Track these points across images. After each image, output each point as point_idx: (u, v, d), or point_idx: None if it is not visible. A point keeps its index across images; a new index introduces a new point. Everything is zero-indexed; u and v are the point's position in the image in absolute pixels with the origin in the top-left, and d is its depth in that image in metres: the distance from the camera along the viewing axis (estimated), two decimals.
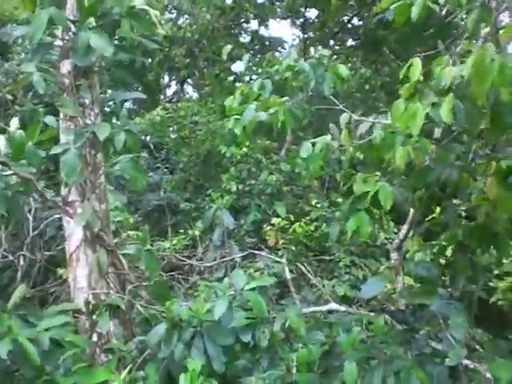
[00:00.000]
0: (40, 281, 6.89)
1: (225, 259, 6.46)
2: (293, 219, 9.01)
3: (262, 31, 13.37)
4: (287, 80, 4.79)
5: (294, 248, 8.75)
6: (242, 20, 10.66)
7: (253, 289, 4.73)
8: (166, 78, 16.59)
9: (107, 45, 4.86)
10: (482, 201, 4.47)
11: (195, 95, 17.41)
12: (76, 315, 4.84)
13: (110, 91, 6.40)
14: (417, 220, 5.81)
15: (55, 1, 5.22)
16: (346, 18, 10.87)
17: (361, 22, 11.23)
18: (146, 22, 5.34)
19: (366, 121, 4.60)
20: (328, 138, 4.46)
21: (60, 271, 6.97)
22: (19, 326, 4.38)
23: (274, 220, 9.01)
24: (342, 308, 4.83)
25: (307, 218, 9.10)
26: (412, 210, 5.63)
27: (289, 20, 13.06)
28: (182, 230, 9.03)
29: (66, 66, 5.34)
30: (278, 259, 5.76)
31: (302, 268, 6.01)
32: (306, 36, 12.85)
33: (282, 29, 19.31)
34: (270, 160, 10.24)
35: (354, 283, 8.44)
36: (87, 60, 5.07)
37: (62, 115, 5.27)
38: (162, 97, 16.26)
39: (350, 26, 11.43)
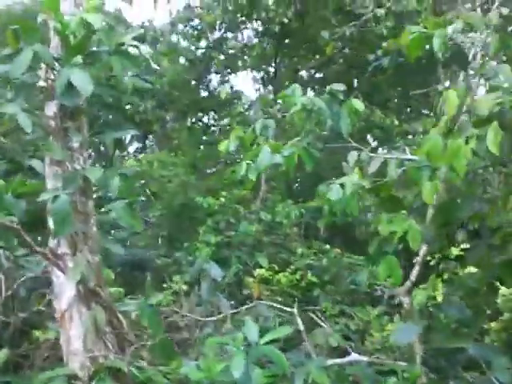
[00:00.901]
0: (15, 344, 6.21)
1: (226, 312, 5.96)
2: (276, 269, 8.63)
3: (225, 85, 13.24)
4: (293, 121, 4.47)
5: (279, 299, 8.32)
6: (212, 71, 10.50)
7: (267, 342, 4.30)
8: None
9: (87, 83, 4.51)
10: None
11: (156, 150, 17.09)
12: (71, 382, 4.26)
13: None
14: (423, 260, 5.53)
15: (40, 39, 4.86)
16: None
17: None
18: (136, 60, 5.04)
19: (385, 157, 4.36)
20: (354, 177, 4.15)
21: (37, 333, 6.32)
22: None
23: (258, 271, 8.61)
24: (365, 358, 4.44)
25: (292, 267, 8.74)
26: (423, 250, 5.34)
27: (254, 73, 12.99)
28: (164, 285, 8.50)
29: (51, 108, 4.95)
30: (288, 309, 5.33)
31: (314, 317, 5.61)
32: (269, 88, 12.83)
33: (243, 83, 19.33)
34: (247, 210, 9.91)
35: (346, 333, 8.06)
36: (75, 100, 4.70)
37: (47, 160, 4.83)
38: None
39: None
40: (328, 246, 8.63)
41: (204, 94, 10.99)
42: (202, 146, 11.74)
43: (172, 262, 9.81)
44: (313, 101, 4.17)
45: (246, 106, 12.90)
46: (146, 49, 5.01)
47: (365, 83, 9.85)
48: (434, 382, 3.98)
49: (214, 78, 10.72)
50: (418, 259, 5.41)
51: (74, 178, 4.43)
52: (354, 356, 4.47)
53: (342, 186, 4.01)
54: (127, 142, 17.78)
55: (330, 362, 4.34)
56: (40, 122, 4.80)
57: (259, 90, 13.44)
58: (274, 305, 5.44)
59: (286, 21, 8.99)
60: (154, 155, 11.37)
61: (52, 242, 4.65)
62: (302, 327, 4.77)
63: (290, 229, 9.23)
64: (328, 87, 4.29)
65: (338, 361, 4.43)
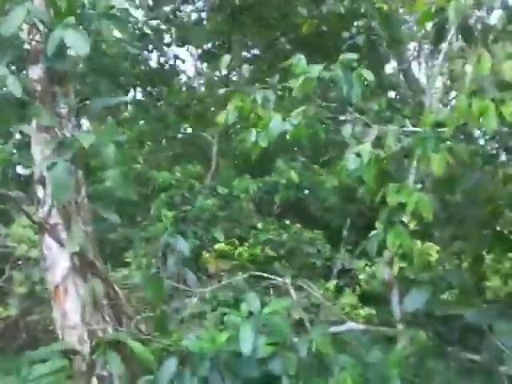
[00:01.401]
0: None
1: (220, 284, 5.90)
2: (237, 244, 8.64)
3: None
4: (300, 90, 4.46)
5: (240, 273, 8.35)
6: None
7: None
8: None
9: (83, 43, 4.30)
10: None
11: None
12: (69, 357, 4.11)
13: None
14: None
15: None
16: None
17: None
18: (125, 25, 4.86)
19: (386, 129, 4.46)
20: (369, 146, 4.22)
21: None
22: None
23: (218, 246, 8.58)
24: (362, 326, 4.58)
25: (250, 241, 8.77)
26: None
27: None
28: (127, 260, 8.28)
29: (36, 72, 4.68)
30: (281, 280, 5.37)
31: (306, 287, 5.68)
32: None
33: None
34: (201, 185, 9.82)
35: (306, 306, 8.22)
36: (64, 62, 4.48)
37: (34, 126, 4.58)
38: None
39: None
40: (288, 222, 8.70)
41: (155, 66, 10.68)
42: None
43: (123, 238, 9.59)
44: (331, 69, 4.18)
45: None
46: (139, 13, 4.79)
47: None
48: (435, 346, 4.15)
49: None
50: None
51: (70, 145, 4.23)
52: (349, 324, 4.60)
53: (358, 155, 4.05)
54: None
55: (331, 330, 4.42)
56: (27, 86, 4.52)
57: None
58: (265, 275, 5.44)
59: None
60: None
61: (42, 213, 4.43)
62: (294, 297, 4.82)
63: (246, 203, 9.22)
64: (340, 57, 4.32)
65: (337, 329, 4.53)
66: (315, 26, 8.63)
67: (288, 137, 4.44)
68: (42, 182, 4.46)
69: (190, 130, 12.00)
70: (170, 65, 11.09)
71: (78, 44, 4.23)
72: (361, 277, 8.61)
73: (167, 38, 10.16)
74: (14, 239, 6.93)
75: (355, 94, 4.26)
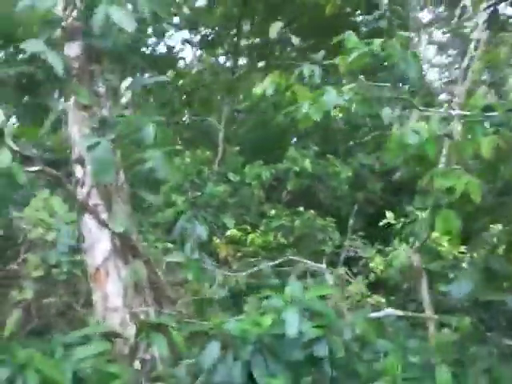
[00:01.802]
0: None
1: (256, 268, 5.85)
2: (249, 230, 8.59)
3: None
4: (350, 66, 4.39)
5: (252, 260, 8.32)
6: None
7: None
8: None
9: (130, 19, 4.21)
10: None
11: None
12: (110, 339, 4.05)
13: None
14: None
15: None
16: None
17: None
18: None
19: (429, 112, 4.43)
20: (422, 124, 4.17)
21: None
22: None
23: (229, 232, 8.53)
24: (400, 313, 4.57)
25: (261, 228, 8.73)
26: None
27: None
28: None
29: (73, 50, 4.57)
30: (318, 265, 5.35)
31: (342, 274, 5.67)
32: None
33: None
34: (210, 171, 9.75)
35: None
36: (108, 40, 4.38)
37: (72, 104, 4.48)
38: None
39: None
40: (302, 209, 8.67)
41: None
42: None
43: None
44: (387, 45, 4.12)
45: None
46: None
47: None
48: (477, 332, 4.16)
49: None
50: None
51: (114, 124, 4.14)
52: (387, 310, 4.59)
53: (416, 131, 4.01)
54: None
55: (370, 315, 4.41)
56: (66, 63, 4.41)
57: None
58: (304, 261, 5.41)
59: None
60: None
61: (80, 193, 4.35)
62: (331, 283, 4.80)
63: (257, 190, 9.17)
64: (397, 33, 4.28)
65: (374, 314, 4.52)
66: (338, 7, 8.55)
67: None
68: (81, 162, 4.37)
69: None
70: (173, 49, 10.96)
71: (124, 20, 4.13)
72: (372, 264, 8.61)
73: (176, 20, 10.00)
74: (29, 222, 6.81)
75: (413, 71, 4.21)
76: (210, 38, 11.45)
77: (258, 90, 4.66)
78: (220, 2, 10.00)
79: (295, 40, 4.98)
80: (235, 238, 8.63)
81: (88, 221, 4.29)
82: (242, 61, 12.06)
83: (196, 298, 4.35)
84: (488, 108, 4.08)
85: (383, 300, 7.82)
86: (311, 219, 8.37)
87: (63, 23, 4.60)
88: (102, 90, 4.56)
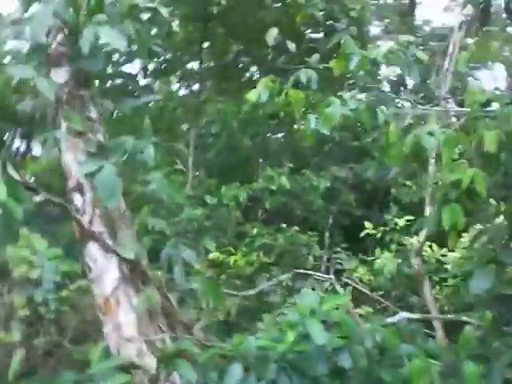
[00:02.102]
0: None
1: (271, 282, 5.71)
2: (232, 251, 8.49)
3: None
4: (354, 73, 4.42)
5: (237, 282, 8.22)
6: None
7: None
8: None
9: (121, 37, 4.13)
10: None
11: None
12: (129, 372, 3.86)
13: None
14: None
15: None
16: None
17: None
18: (149, 24, 4.71)
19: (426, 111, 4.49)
20: (434, 126, 4.18)
21: None
22: None
23: (212, 255, 8.39)
24: (417, 316, 4.56)
25: (243, 249, 8.64)
26: (428, 209, 5.55)
27: None
28: None
29: (60, 75, 4.43)
30: (326, 276, 5.29)
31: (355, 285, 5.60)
32: None
33: None
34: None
35: None
36: (97, 62, 4.27)
37: (64, 131, 4.32)
38: None
39: None
40: (284, 225, 8.63)
41: None
42: None
43: None
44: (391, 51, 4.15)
45: None
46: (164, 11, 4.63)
47: None
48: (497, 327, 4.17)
49: None
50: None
51: (117, 148, 4.01)
52: (402, 314, 4.57)
53: (431, 133, 4.02)
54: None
55: (389, 320, 4.38)
56: (56, 90, 4.27)
57: None
58: (310, 272, 5.34)
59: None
60: None
61: (83, 221, 4.17)
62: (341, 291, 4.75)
63: (235, 211, 9.08)
64: (398, 39, 4.32)
65: (392, 319, 4.49)
66: (308, 16, 8.67)
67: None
68: (80, 190, 4.21)
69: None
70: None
71: (115, 39, 4.04)
72: (356, 275, 8.59)
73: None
74: (11, 260, 6.53)
75: (415, 75, 4.25)
76: (163, 65, 11.39)
77: (251, 96, 4.62)
78: (181, 27, 9.96)
79: (291, 46, 4.97)
80: (217, 261, 8.51)
81: (93, 250, 4.12)
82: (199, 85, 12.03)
83: (211, 320, 4.17)
84: (487, 103, 4.17)
85: (371, 310, 7.84)
86: (294, 235, 8.33)
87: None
88: (93, 114, 4.42)
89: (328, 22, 9.58)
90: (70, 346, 6.81)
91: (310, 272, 5.57)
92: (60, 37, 4.49)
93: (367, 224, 8.77)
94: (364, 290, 5.73)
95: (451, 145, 4.13)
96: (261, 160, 10.40)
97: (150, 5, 4.59)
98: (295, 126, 7.81)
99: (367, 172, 9.61)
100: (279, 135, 11.21)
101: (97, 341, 7.11)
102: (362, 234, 8.72)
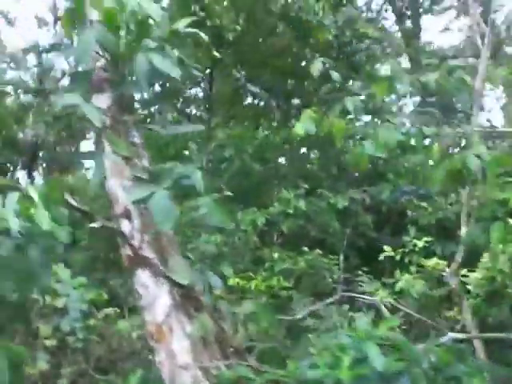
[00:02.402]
0: None
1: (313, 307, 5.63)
2: (252, 276, 8.39)
3: None
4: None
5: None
6: None
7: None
8: None
9: (172, 65, 4.14)
10: None
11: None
12: None
13: None
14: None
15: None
16: None
17: None
18: (189, 48, 4.71)
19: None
20: (480, 148, 4.19)
21: None
22: None
23: (232, 280, 8.30)
24: (463, 335, 4.51)
25: (263, 273, 8.55)
26: (463, 229, 5.54)
27: None
28: None
29: (101, 101, 4.41)
30: (370, 298, 5.23)
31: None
32: None
33: None
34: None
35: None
36: (147, 88, 4.26)
37: (108, 157, 4.28)
38: None
39: None
40: (306, 248, 8.56)
41: None
42: None
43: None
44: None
45: None
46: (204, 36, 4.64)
47: None
48: None
49: None
50: (462, 240, 5.60)
51: (168, 174, 3.97)
52: (450, 335, 4.52)
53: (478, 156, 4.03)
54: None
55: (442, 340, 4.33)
56: (101, 116, 4.24)
57: None
58: (357, 295, 5.28)
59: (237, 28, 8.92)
60: None
61: (129, 248, 4.11)
62: (387, 314, 4.70)
63: (252, 236, 9.03)
64: (445, 63, 4.35)
65: (441, 340, 4.44)
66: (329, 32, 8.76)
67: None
68: (127, 216, 4.16)
69: None
70: None
71: (168, 66, 4.04)
72: (377, 298, 8.52)
73: None
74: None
75: (463, 98, 4.27)
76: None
77: (298, 129, 4.63)
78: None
79: (336, 76, 5.02)
80: (236, 287, 8.41)
81: (143, 276, 4.05)
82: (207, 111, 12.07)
83: (267, 345, 4.10)
84: None
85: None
86: (315, 258, 8.27)
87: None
88: (137, 140, 4.39)
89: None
90: (96, 374, 6.72)
91: (356, 295, 5.48)
92: (101, 63, 4.46)
93: (386, 246, 8.72)
94: (410, 311, 5.62)
95: (497, 166, 4.13)
96: (275, 182, 10.42)
97: (191, 30, 4.57)
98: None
99: (382, 194, 9.64)
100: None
101: (122, 369, 7.01)
102: (382, 257, 8.66)
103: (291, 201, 8.74)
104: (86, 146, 16.02)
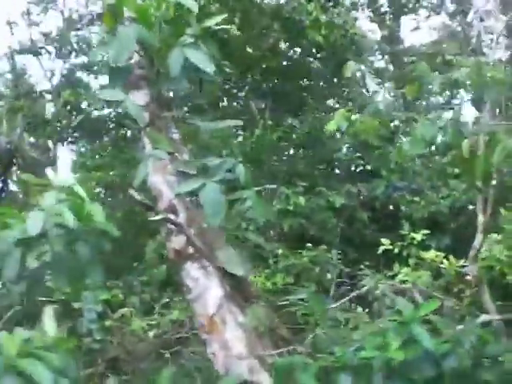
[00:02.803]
0: None
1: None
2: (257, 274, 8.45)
3: None
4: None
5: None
6: None
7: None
8: None
9: (208, 61, 4.21)
10: None
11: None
12: None
13: None
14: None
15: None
16: None
17: None
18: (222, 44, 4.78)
19: None
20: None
21: None
22: None
23: None
24: (497, 316, 4.69)
25: (267, 270, 8.63)
26: (481, 217, 5.72)
27: None
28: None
29: (139, 98, 4.44)
30: (405, 286, 5.38)
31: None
32: None
33: None
34: None
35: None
36: (184, 84, 4.31)
37: (150, 153, 4.32)
38: None
39: None
40: (309, 244, 8.67)
41: None
42: None
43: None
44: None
45: None
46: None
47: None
48: None
49: None
50: (479, 228, 5.78)
51: (219, 167, 4.02)
52: (485, 316, 4.69)
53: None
54: None
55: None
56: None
57: None
58: (392, 283, 5.40)
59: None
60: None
61: (176, 242, 4.15)
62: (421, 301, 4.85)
63: (252, 235, 9.06)
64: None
65: (475, 322, 4.61)
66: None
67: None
68: (173, 210, 4.19)
69: None
70: None
71: (204, 61, 4.10)
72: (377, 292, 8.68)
73: None
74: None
75: (492, 93, 4.42)
76: None
77: (331, 125, 4.75)
78: None
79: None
80: None
81: (191, 270, 4.09)
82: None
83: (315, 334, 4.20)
84: None
85: None
86: (320, 254, 8.39)
87: None
88: (176, 136, 4.44)
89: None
90: (114, 375, 6.69)
91: (389, 282, 5.62)
92: (136, 60, 4.49)
93: (384, 240, 8.90)
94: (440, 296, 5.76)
95: None
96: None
97: (224, 26, 4.65)
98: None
99: (376, 190, 9.85)
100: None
101: (138, 370, 6.98)
102: (380, 250, 8.84)
103: (291, 197, 8.83)
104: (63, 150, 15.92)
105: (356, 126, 4.78)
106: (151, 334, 6.75)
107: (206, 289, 4.05)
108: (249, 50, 9.97)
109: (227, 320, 3.99)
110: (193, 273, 4.09)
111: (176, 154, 4.31)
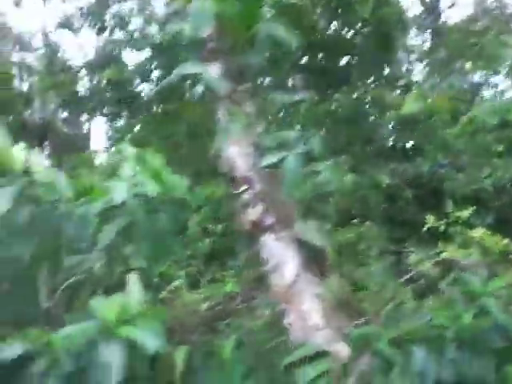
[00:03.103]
0: None
1: None
2: None
3: None
4: None
5: None
6: None
7: None
8: None
9: (292, 36, 4.21)
10: None
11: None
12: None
13: None
14: None
15: None
16: None
17: None
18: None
19: None
20: None
21: None
22: None
23: None
24: None
25: None
26: None
27: None
28: None
29: (213, 70, 4.46)
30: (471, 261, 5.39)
31: None
32: None
33: None
34: None
35: None
36: (262, 56, 4.32)
37: (225, 128, 4.35)
38: None
39: None
40: (355, 221, 8.68)
41: None
42: None
43: None
44: None
45: None
46: None
47: None
48: None
49: None
50: None
51: (297, 140, 4.05)
52: None
53: None
54: None
55: None
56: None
57: None
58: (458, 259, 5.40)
59: None
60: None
61: (252, 214, 4.20)
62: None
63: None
64: None
65: None
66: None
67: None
68: (248, 183, 4.23)
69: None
70: None
71: (287, 36, 4.10)
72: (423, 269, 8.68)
73: None
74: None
75: None
76: None
77: (406, 109, 4.75)
78: None
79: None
80: None
81: (268, 241, 4.14)
82: None
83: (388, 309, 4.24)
84: None
85: None
86: (366, 230, 8.39)
87: None
88: (250, 109, 4.46)
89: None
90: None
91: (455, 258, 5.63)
92: (210, 33, 4.50)
93: (430, 218, 8.86)
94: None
95: None
96: None
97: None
98: None
99: (421, 167, 9.78)
100: None
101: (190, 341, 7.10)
102: (426, 228, 8.81)
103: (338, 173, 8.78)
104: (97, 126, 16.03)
105: (430, 105, 4.77)
106: (204, 305, 6.83)
107: (282, 260, 4.10)
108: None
109: (304, 291, 4.05)
110: (269, 244, 4.13)
111: (252, 127, 4.32)
